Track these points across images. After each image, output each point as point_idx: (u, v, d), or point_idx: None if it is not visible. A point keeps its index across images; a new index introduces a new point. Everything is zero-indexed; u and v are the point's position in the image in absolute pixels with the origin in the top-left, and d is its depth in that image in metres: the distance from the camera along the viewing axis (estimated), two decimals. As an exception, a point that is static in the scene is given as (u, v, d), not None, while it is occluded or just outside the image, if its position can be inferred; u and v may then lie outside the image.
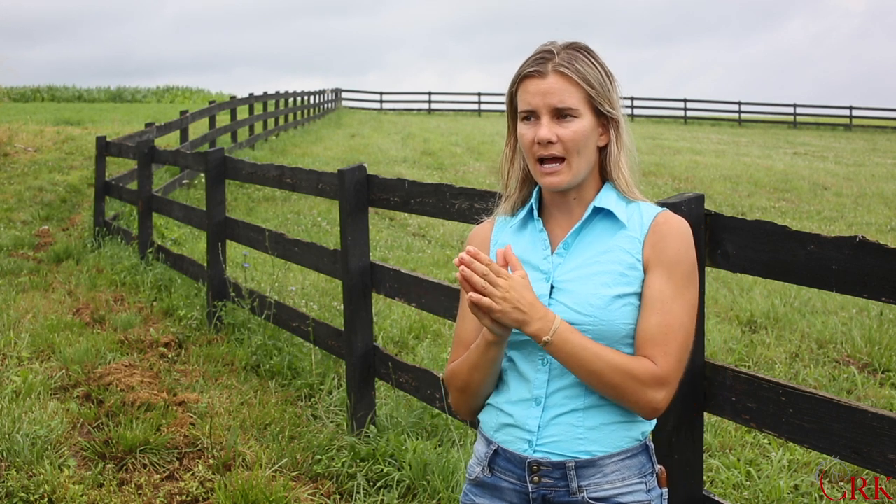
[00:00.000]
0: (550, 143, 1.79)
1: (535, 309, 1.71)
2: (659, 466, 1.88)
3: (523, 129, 1.83)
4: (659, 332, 1.76)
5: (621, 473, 1.80)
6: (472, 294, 1.69)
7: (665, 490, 1.87)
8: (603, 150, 1.87)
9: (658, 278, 1.78)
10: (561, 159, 1.80)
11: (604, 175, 1.89)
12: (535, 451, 1.81)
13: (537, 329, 1.71)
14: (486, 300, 1.68)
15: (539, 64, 1.80)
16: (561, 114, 1.79)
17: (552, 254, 1.86)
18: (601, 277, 1.79)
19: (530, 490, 1.82)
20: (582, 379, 1.75)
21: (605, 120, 1.84)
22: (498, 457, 1.86)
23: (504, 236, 1.95)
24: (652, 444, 1.88)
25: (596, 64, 1.82)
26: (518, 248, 1.90)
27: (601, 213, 1.86)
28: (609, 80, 1.83)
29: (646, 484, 1.83)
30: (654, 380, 1.74)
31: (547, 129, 1.78)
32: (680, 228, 1.82)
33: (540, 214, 1.92)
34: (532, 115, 1.81)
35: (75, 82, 49.74)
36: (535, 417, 1.81)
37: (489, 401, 1.92)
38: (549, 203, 1.90)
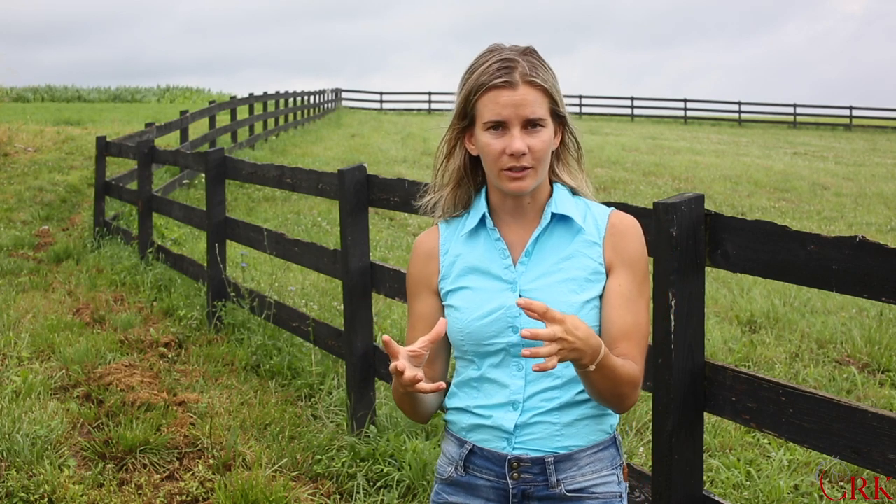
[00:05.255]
0: (523, 154, 1.78)
1: (588, 343, 1.63)
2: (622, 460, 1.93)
3: (489, 139, 1.79)
4: (635, 331, 1.81)
5: (595, 465, 1.85)
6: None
7: (626, 484, 1.92)
8: (554, 150, 1.87)
9: (624, 278, 1.82)
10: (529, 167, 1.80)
11: (552, 174, 1.88)
12: (514, 449, 1.83)
13: (587, 363, 1.66)
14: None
15: (507, 74, 1.77)
16: (531, 124, 1.78)
17: (514, 263, 1.85)
18: (568, 284, 1.81)
19: (510, 486, 1.83)
20: (593, 389, 1.74)
21: (557, 121, 1.85)
22: (474, 455, 1.87)
23: (455, 246, 1.91)
24: (619, 437, 1.93)
25: (549, 68, 1.83)
26: (473, 258, 1.88)
27: (556, 216, 1.86)
28: (557, 81, 1.84)
29: (617, 475, 1.88)
30: (640, 381, 1.80)
31: (520, 140, 1.77)
32: (636, 227, 1.86)
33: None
34: (500, 126, 1.79)
35: (83, 84, 49.55)
36: (512, 420, 1.83)
37: (457, 405, 1.90)
38: (500, 209, 1.88)
